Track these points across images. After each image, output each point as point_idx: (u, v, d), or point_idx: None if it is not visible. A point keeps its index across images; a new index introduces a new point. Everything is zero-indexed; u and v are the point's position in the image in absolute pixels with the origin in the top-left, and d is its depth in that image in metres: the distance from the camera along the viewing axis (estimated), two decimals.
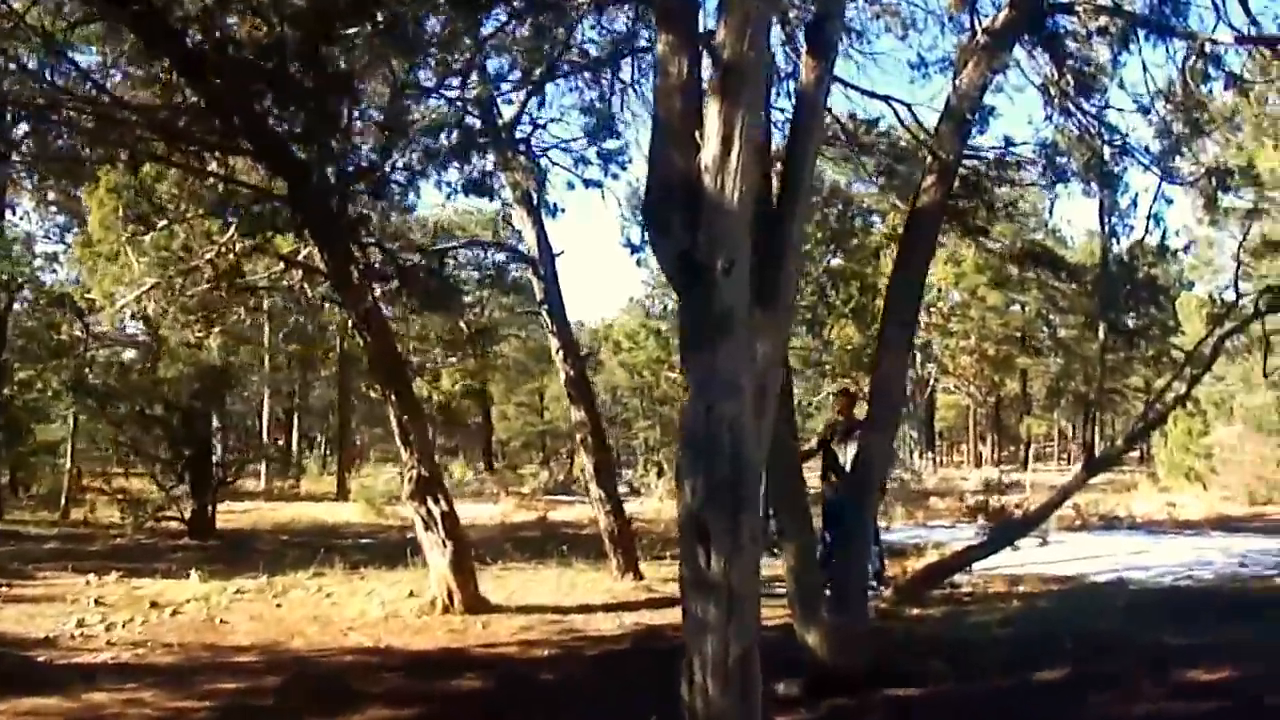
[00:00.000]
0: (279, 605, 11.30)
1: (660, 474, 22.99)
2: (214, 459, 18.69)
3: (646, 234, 5.76)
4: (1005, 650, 8.07)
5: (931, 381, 40.96)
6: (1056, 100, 8.27)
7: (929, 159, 7.33)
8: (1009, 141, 8.82)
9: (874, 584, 11.22)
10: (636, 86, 10.58)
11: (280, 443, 36.94)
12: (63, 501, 22.16)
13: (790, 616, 7.17)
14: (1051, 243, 56.64)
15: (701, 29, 5.22)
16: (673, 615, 9.51)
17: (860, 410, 10.19)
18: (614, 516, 12.19)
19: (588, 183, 11.36)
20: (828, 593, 7.07)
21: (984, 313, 42.16)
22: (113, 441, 19.88)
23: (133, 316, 14.67)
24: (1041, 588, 11.38)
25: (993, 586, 11.53)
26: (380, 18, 8.00)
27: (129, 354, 20.11)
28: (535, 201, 12.37)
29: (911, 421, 39.65)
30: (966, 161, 8.20)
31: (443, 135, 9.85)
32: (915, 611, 9.84)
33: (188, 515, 17.82)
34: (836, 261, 15.49)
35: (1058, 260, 12.70)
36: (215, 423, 19.43)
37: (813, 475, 10.23)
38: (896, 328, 7.05)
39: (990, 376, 45.15)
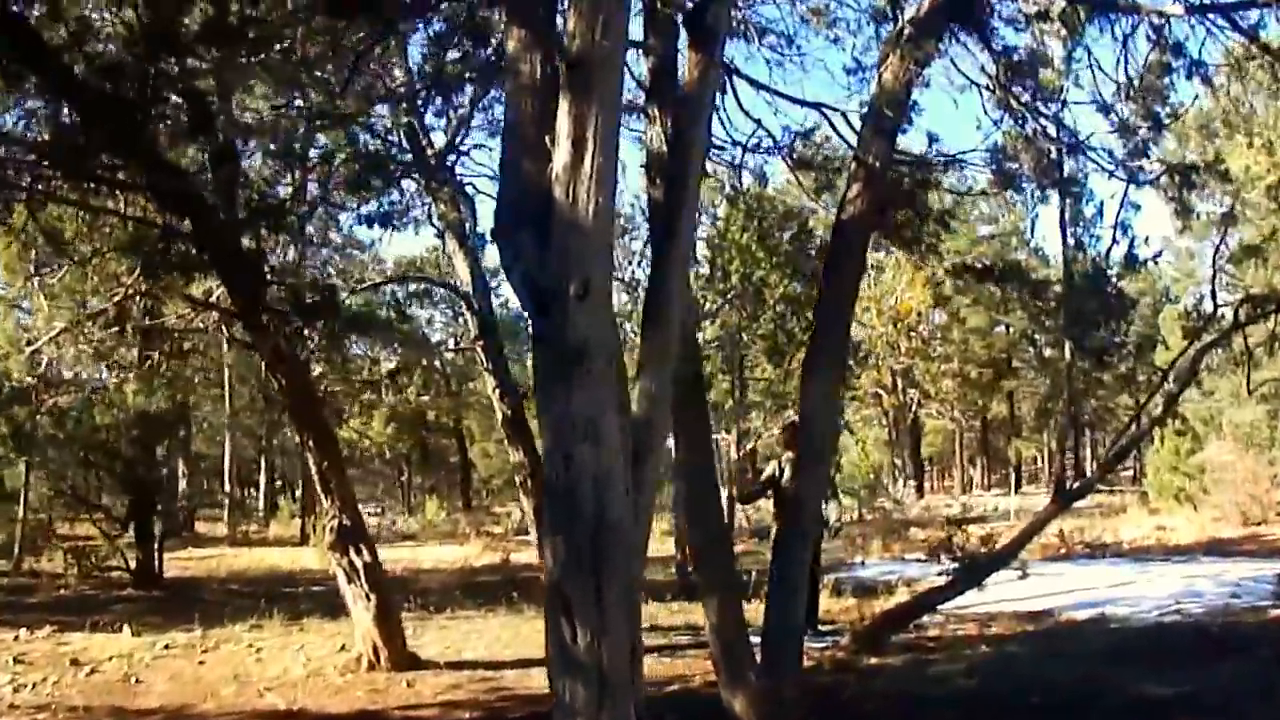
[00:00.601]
0: (202, 662, 10.53)
1: None
2: (157, 506, 17.84)
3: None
4: (965, 709, 7.30)
5: (914, 407, 40.19)
6: (998, 97, 7.54)
7: (854, 166, 6.62)
8: (932, 139, 7.99)
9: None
10: None
11: (240, 487, 36.09)
12: (15, 551, 21.31)
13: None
14: (1035, 262, 56.42)
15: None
16: None
17: None
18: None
19: None
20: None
21: (966, 335, 41.49)
22: (56, 490, 18.99)
23: (47, 363, 13.94)
24: (1015, 628, 10.63)
25: (963, 628, 10.79)
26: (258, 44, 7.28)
27: (65, 399, 19.21)
28: (466, 232, 11.72)
29: (895, 449, 38.97)
30: (904, 169, 7.51)
31: (352, 164, 9.15)
32: (873, 661, 9.06)
33: (133, 565, 17.00)
34: (795, 287, 14.74)
35: (1012, 272, 11.91)
36: (165, 469, 18.63)
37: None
38: (825, 353, 6.31)
39: (974, 400, 44.43)
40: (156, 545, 17.36)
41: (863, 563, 19.09)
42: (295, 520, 33.81)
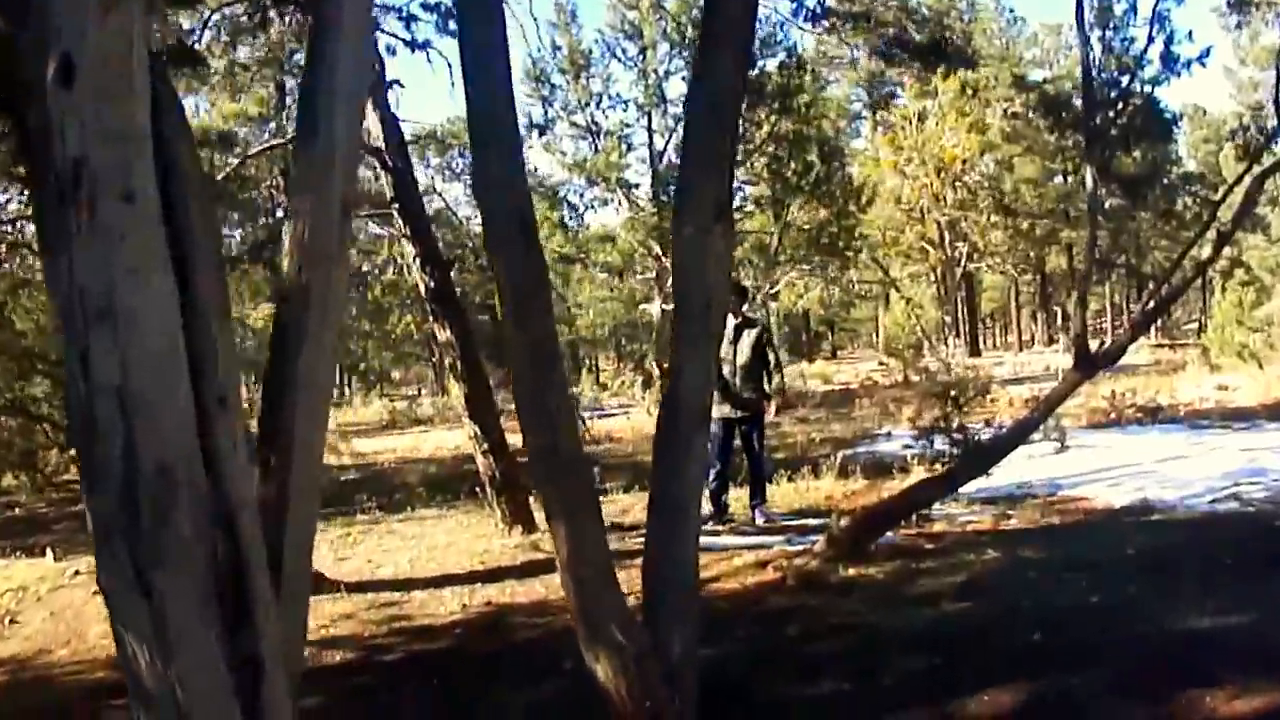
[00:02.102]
0: (96, 593, 9.07)
1: (647, 384, 20.32)
2: None
3: None
4: (941, 651, 5.51)
5: (963, 262, 37.88)
6: None
7: None
8: None
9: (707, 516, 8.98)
10: None
11: None
12: None
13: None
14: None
15: None
16: (546, 585, 7.68)
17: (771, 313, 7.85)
18: (493, 457, 9.69)
19: (414, 45, 8.85)
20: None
21: (1017, 184, 38.88)
22: None
23: None
24: (1037, 521, 8.81)
25: (976, 519, 9.01)
26: None
27: None
28: (377, 69, 9.82)
29: (944, 307, 36.86)
30: None
31: None
32: (850, 573, 7.31)
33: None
34: (784, 124, 12.74)
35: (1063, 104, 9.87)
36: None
37: None
38: (697, 168, 4.41)
39: (1027, 252, 41.94)
40: None
41: (889, 434, 17.32)
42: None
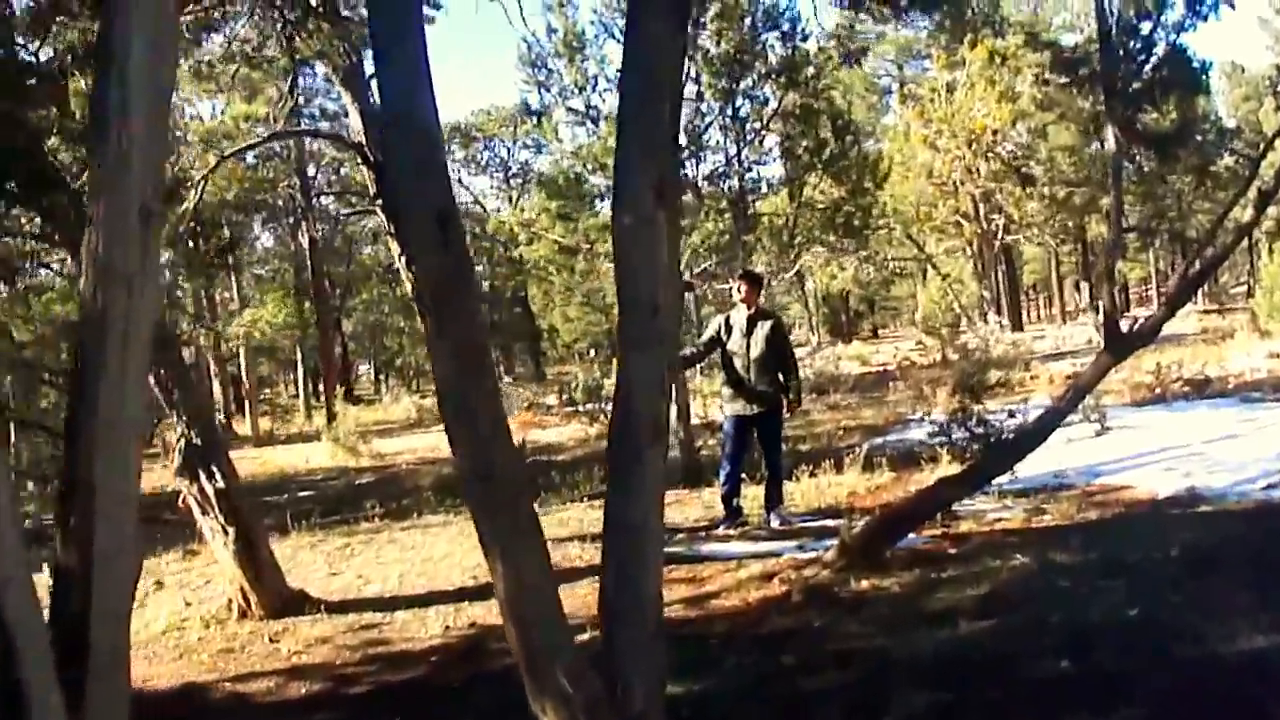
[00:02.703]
0: None
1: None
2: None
3: None
4: (952, 684, 4.82)
5: (1000, 234, 36.86)
6: None
7: None
8: None
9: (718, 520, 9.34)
10: None
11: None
12: None
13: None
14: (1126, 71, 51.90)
15: None
16: None
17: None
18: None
19: None
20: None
21: (1052, 153, 37.76)
22: None
23: None
24: (1073, 517, 8.09)
25: (1005, 516, 8.32)
26: None
27: None
28: (355, 62, 9.26)
29: (983, 281, 35.94)
30: None
31: None
32: (864, 584, 6.64)
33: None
34: (791, 98, 12.02)
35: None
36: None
37: None
38: (637, 149, 3.76)
39: (1066, 221, 40.80)
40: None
41: (922, 418, 16.52)
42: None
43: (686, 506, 10.56)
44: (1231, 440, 10.62)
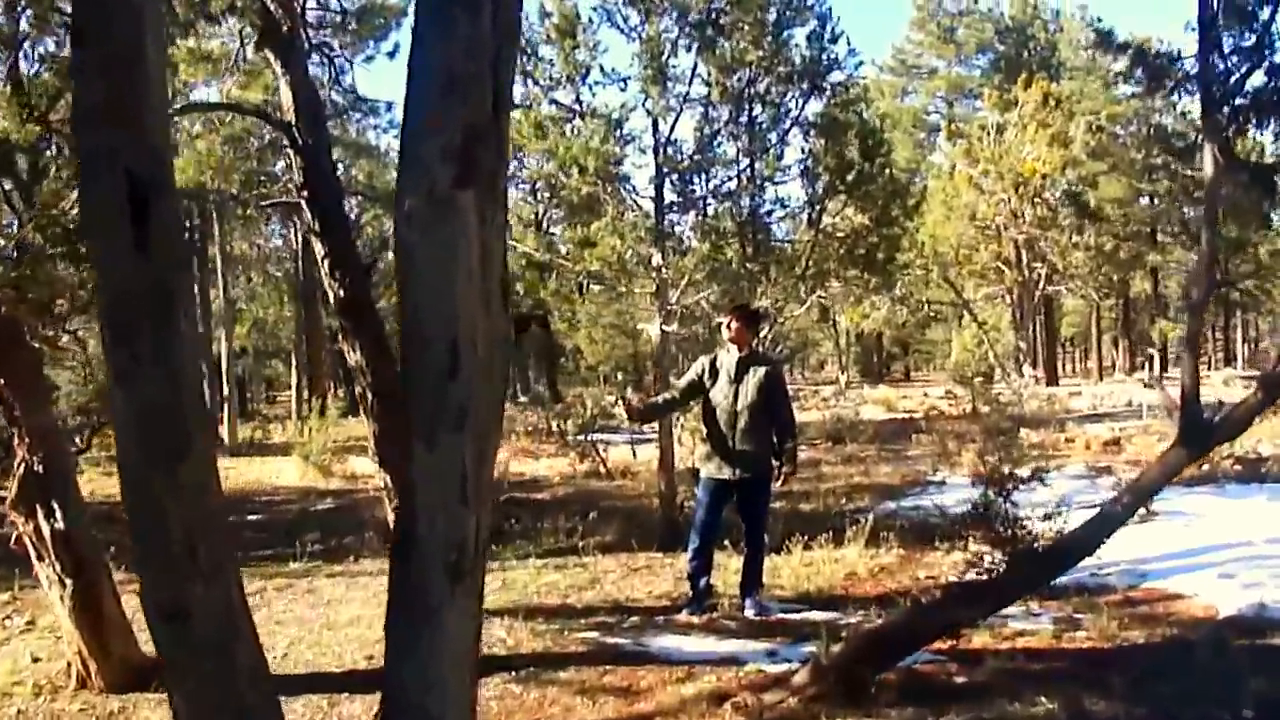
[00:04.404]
0: None
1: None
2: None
3: None
4: None
5: (1041, 283, 35.13)
6: None
7: None
8: None
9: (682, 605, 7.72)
10: None
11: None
12: None
13: None
14: (1182, 125, 50.34)
15: None
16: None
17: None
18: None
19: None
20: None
21: (1101, 203, 36.10)
22: None
23: None
24: (1114, 637, 6.50)
25: (1028, 631, 6.73)
26: None
27: None
28: (286, 33, 7.83)
29: (1019, 331, 34.28)
30: None
31: None
32: None
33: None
34: (815, 108, 10.55)
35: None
36: None
37: None
38: (435, 90, 2.27)
39: (1110, 275, 39.04)
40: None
41: (943, 481, 14.89)
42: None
43: (655, 576, 9.06)
44: None
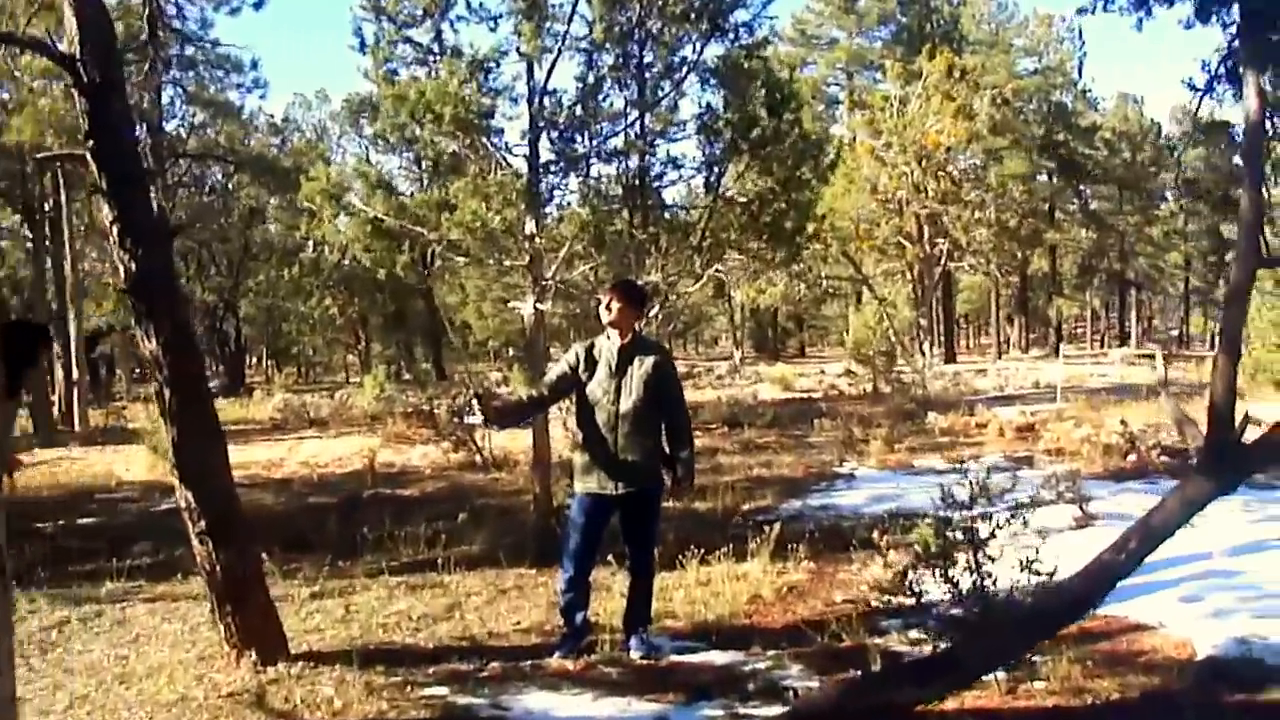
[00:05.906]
0: None
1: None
2: None
3: None
4: None
5: (943, 259, 34.35)
6: None
7: None
8: None
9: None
10: None
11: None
12: None
13: None
14: (1081, 105, 50.17)
15: None
16: None
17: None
18: (214, 543, 5.98)
19: None
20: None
21: (1004, 179, 35.46)
22: None
23: None
24: (1078, 688, 5.23)
25: (971, 694, 5.42)
26: None
27: None
28: None
29: (921, 308, 33.48)
30: None
31: None
32: None
33: None
34: (715, 53, 9.20)
35: None
36: None
37: None
38: None
39: (1012, 252, 38.51)
40: None
41: (853, 474, 13.67)
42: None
43: (525, 599, 7.68)
44: (1265, 554, 7.90)
